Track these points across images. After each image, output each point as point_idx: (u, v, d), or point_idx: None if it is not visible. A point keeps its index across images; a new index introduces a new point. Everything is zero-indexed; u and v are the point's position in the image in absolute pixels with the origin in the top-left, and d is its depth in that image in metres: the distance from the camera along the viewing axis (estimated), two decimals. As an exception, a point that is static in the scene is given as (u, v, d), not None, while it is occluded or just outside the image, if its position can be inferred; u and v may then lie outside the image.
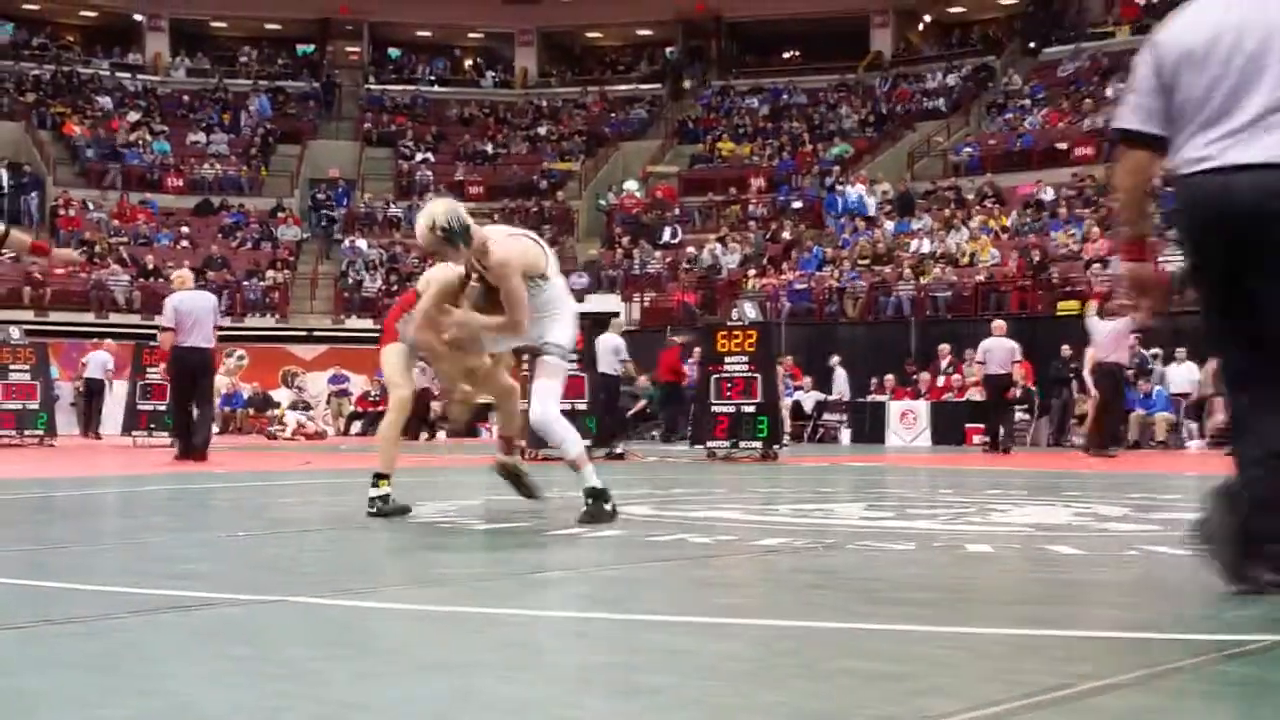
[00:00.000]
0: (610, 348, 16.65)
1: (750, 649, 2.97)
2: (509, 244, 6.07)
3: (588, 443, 14.38)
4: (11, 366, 18.92)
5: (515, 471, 6.92)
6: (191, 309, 13.68)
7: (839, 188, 32.07)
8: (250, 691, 2.44)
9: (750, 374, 14.84)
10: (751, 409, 14.74)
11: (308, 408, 26.88)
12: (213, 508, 7.87)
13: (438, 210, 5.94)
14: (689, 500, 8.20)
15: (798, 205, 33.07)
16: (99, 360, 23.39)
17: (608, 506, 6.15)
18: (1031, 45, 37.49)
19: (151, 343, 20.38)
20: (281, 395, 28.11)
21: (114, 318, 29.90)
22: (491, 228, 6.36)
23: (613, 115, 40.65)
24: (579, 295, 30.10)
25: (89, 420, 23.42)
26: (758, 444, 14.69)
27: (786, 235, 31.37)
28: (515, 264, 5.99)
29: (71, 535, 5.77)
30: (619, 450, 15.27)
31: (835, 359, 23.52)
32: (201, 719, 2.23)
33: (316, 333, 31.87)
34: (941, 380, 22.31)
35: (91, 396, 23.39)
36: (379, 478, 6.48)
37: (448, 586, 4.14)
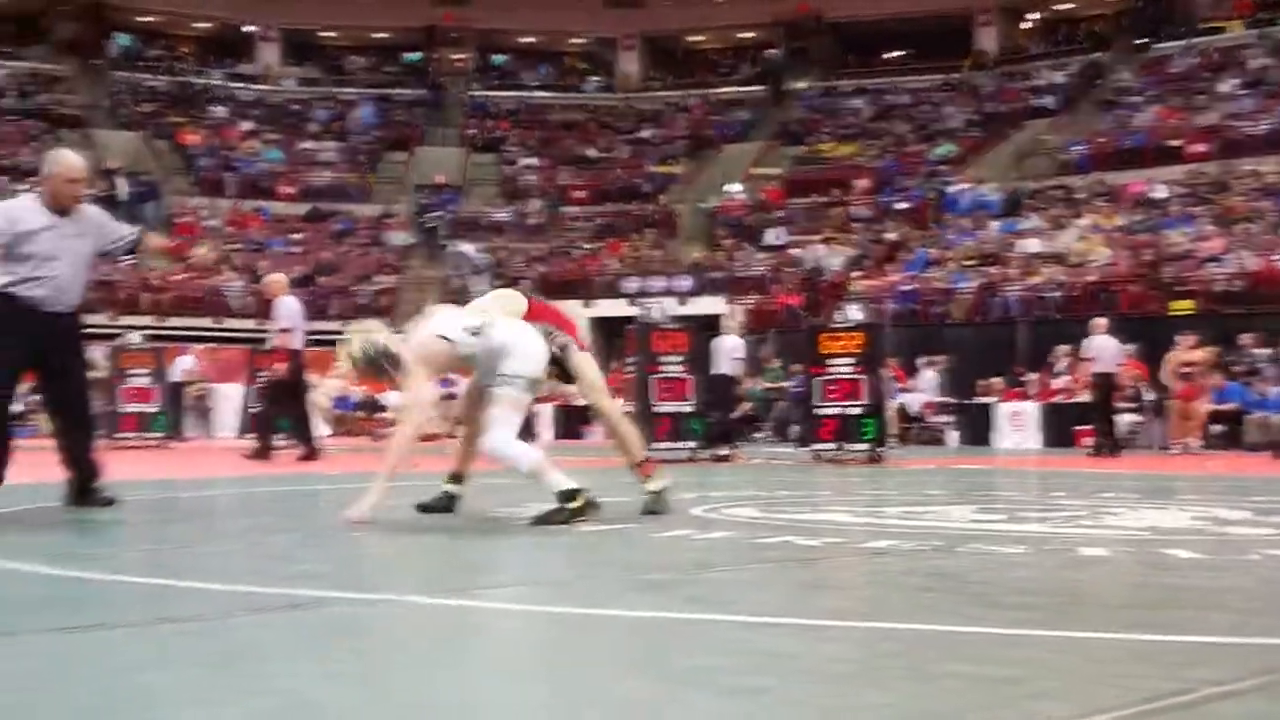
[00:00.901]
0: (727, 348, 16.65)
1: (857, 651, 2.96)
2: (415, 350, 6.34)
3: (691, 445, 14.55)
4: (131, 371, 19.39)
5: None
6: (298, 312, 13.99)
7: (961, 187, 31.58)
8: (362, 691, 2.48)
9: (856, 376, 14.74)
10: (857, 411, 14.63)
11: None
12: (324, 508, 8.00)
13: (354, 347, 6.40)
14: (795, 502, 8.17)
15: (903, 206, 32.79)
16: (182, 365, 23.88)
17: (571, 505, 6.22)
18: (1141, 41, 36.78)
19: (264, 346, 20.80)
20: (390, 399, 28.46)
21: (229, 323, 30.56)
22: (438, 313, 6.60)
23: (715, 118, 40.63)
24: (682, 298, 30.19)
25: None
26: (864, 446, 14.58)
27: (892, 236, 31.11)
28: (417, 369, 6.31)
29: (189, 535, 5.91)
30: (724, 452, 15.25)
31: (922, 359, 23.20)
32: (314, 718, 2.27)
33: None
34: (1061, 381, 21.94)
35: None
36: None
37: (555, 587, 4.17)
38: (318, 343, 27.51)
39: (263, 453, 13.93)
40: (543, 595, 3.84)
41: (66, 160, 7.04)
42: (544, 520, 6.18)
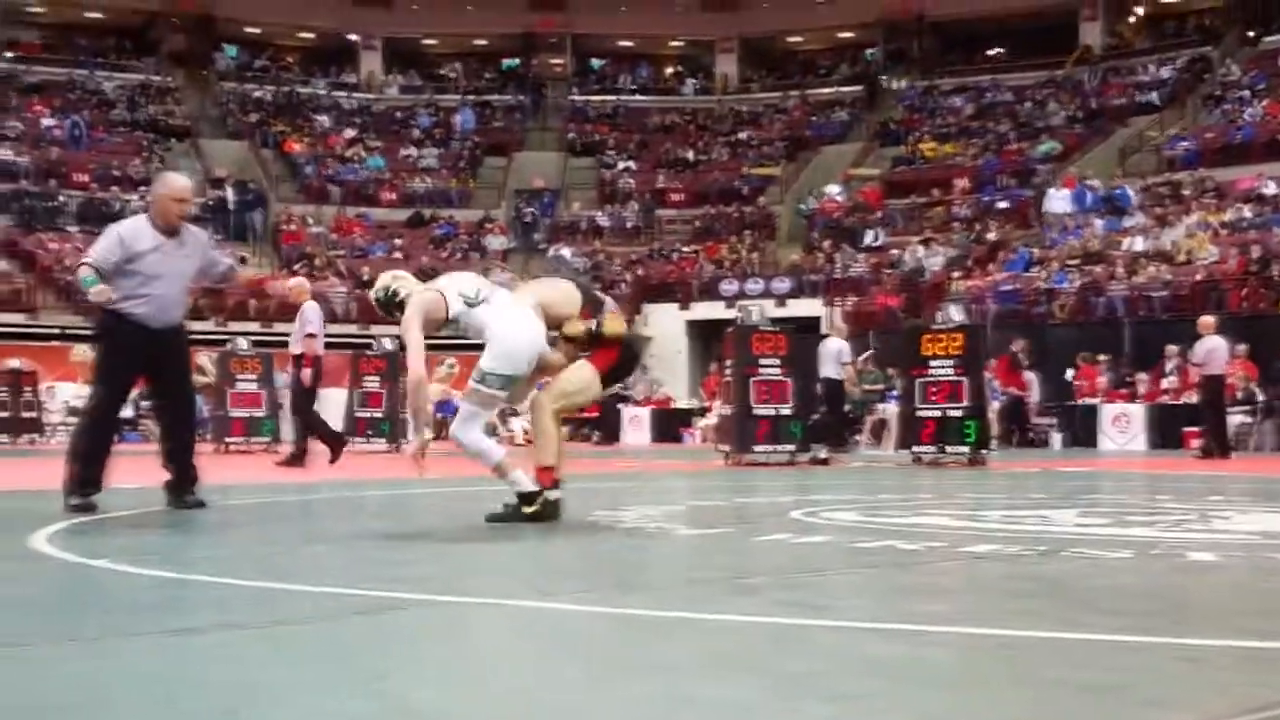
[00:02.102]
0: (833, 352, 16.58)
1: (960, 657, 2.94)
2: (415, 301, 6.37)
3: (790, 447, 14.52)
4: (239, 376, 19.78)
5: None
6: (321, 317, 14.15)
7: (1087, 183, 31.01)
8: (468, 692, 2.52)
9: (957, 377, 14.59)
10: (958, 413, 14.49)
11: (515, 414, 27.38)
12: (426, 511, 8.10)
13: (377, 287, 6.63)
14: (895, 506, 8.11)
15: (1004, 205, 32.38)
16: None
17: (528, 509, 6.29)
18: (1250, 34, 35.96)
19: (369, 352, 21.12)
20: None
21: (332, 328, 30.98)
22: (443, 277, 6.72)
23: (813, 119, 40.45)
24: (780, 299, 30.10)
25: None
26: (965, 448, 14.44)
27: (992, 236, 30.74)
28: (412, 318, 6.30)
29: (297, 538, 6.02)
30: (823, 455, 15.19)
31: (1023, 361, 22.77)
32: (418, 718, 2.31)
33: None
34: (1173, 381, 21.52)
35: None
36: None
37: (655, 591, 4.19)
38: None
39: (299, 459, 14.04)
40: (644, 599, 3.87)
41: (173, 181, 7.38)
42: (499, 518, 6.27)
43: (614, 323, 6.59)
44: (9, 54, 39.58)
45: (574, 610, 3.60)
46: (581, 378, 6.59)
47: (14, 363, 24.64)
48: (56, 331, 29.14)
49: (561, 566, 5.02)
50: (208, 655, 3.04)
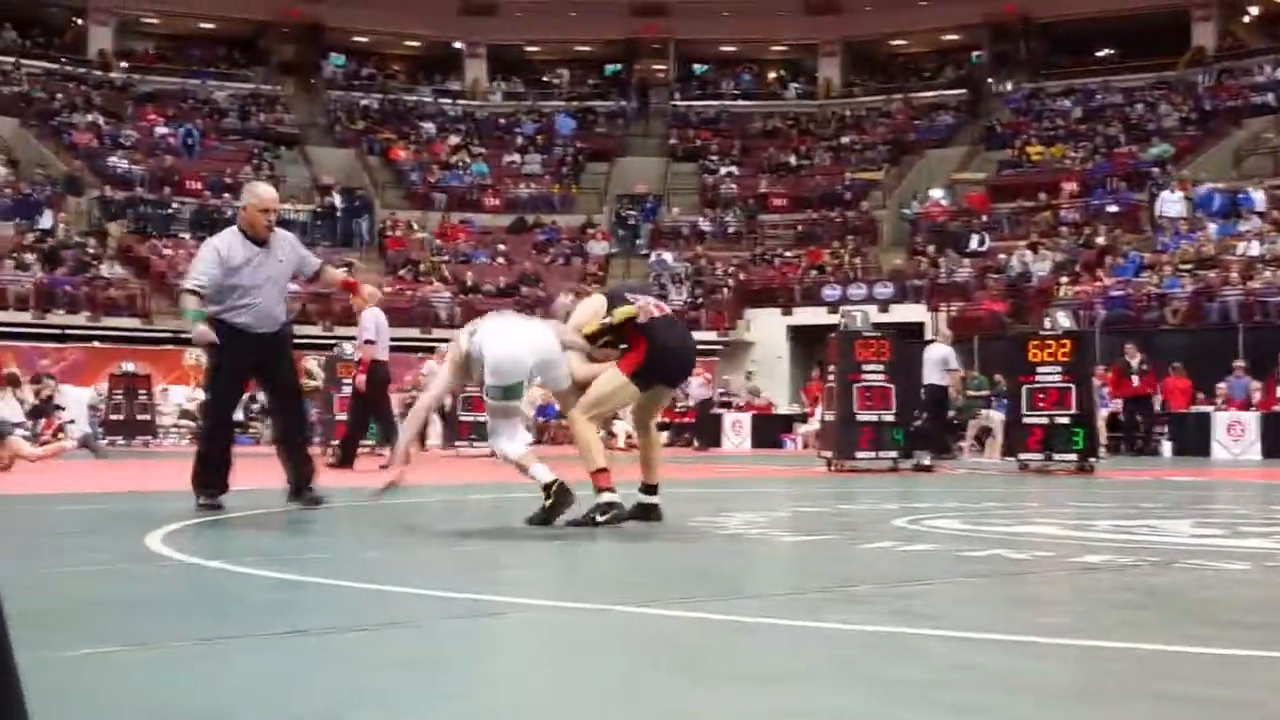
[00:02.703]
0: (938, 358, 16.42)
1: (1072, 670, 2.89)
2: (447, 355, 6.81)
3: (893, 454, 14.39)
4: (345, 380, 20.05)
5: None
6: (383, 323, 14.28)
7: (1210, 186, 30.33)
8: (577, 700, 2.53)
9: (1064, 384, 14.37)
10: (1066, 420, 14.26)
11: (616, 418, 27.46)
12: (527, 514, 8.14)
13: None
14: (1002, 514, 8.00)
15: (1113, 209, 31.80)
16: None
17: (546, 502, 6.38)
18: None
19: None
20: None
21: (436, 333, 31.37)
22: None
23: (917, 122, 40.08)
24: (883, 305, 29.84)
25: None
26: (1073, 456, 14.21)
27: (1101, 240, 30.20)
28: (447, 361, 6.85)
29: (404, 541, 6.09)
30: (926, 462, 15.03)
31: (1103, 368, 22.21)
32: None
33: (624, 345, 32.53)
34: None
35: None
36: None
37: (759, 598, 4.17)
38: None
39: (349, 462, 14.18)
40: (748, 607, 3.85)
41: (259, 191, 7.68)
42: (536, 520, 6.38)
43: (624, 310, 6.61)
44: (125, 64, 40.58)
45: (678, 616, 3.59)
46: (607, 381, 6.68)
47: (129, 366, 25.24)
48: (169, 336, 29.82)
49: (664, 572, 5.02)
50: (317, 657, 3.08)
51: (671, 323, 6.91)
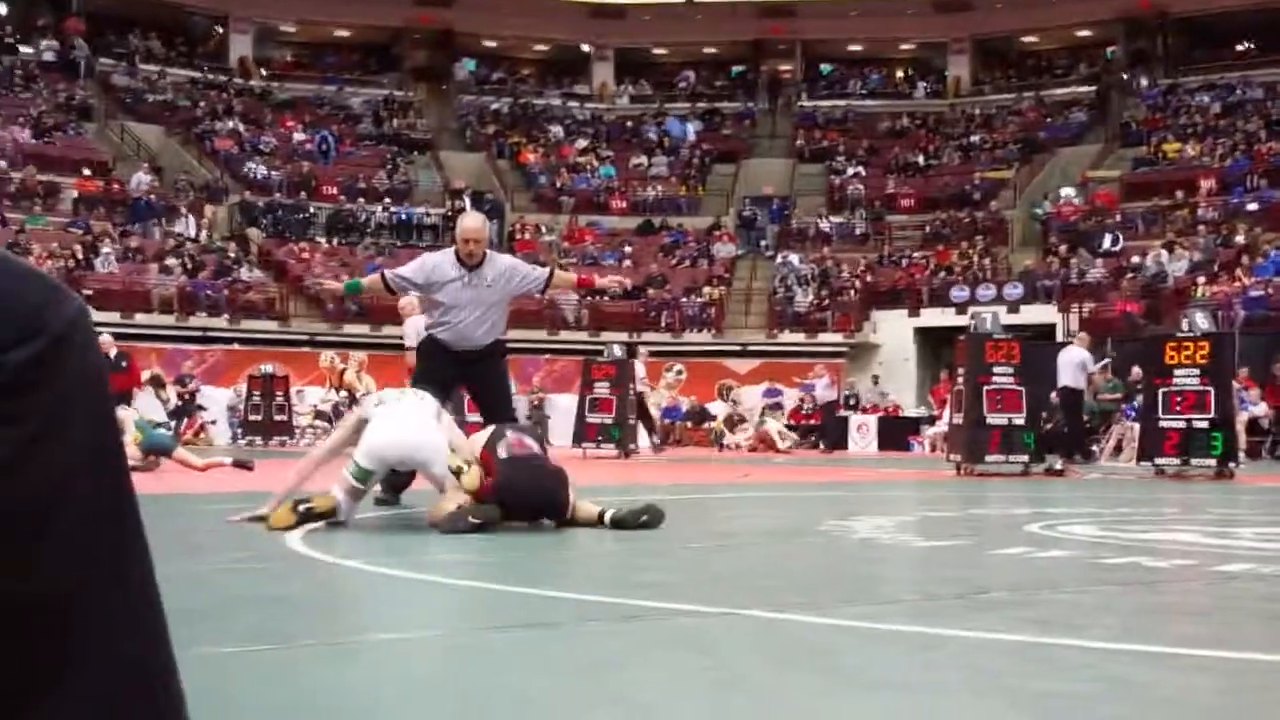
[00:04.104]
0: (1075, 361, 16.15)
1: (1217, 682, 2.85)
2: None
3: (1023, 458, 14.19)
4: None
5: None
6: (421, 328, 14.40)
7: None
8: (710, 704, 2.56)
9: (1202, 387, 14.05)
10: (1204, 424, 13.94)
11: (742, 421, 27.47)
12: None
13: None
14: (1138, 520, 7.86)
15: (1253, 207, 30.93)
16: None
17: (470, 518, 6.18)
18: None
19: (599, 359, 21.47)
20: (717, 409, 28.87)
21: (563, 334, 31.68)
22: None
23: (1049, 120, 39.38)
24: (1012, 306, 29.40)
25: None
26: (1211, 461, 13.88)
27: (1240, 239, 29.40)
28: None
29: (541, 543, 6.18)
30: (1058, 466, 14.80)
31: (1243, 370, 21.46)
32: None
33: (750, 347, 32.55)
34: None
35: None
36: None
37: (894, 604, 4.17)
38: (650, 354, 28.12)
39: None
40: (880, 613, 3.85)
41: (463, 223, 7.98)
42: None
43: (470, 479, 6.40)
44: (264, 72, 41.62)
45: (811, 623, 3.61)
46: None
47: (266, 368, 25.88)
48: (305, 338, 30.55)
49: (796, 577, 5.03)
50: (457, 658, 3.17)
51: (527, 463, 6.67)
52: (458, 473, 6.32)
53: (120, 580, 1.27)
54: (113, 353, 19.13)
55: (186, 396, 26.71)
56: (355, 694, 2.65)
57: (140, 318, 29.48)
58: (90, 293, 29.51)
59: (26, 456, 1.22)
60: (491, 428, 6.90)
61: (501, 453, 6.53)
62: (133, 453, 12.97)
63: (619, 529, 6.51)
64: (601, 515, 6.58)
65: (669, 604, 3.89)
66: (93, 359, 1.32)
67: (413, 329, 14.45)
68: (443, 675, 2.91)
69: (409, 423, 6.61)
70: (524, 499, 6.50)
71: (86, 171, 33.74)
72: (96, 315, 28.28)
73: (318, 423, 25.69)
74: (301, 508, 6.28)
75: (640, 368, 23.21)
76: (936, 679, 2.84)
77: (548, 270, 8.27)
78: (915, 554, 5.88)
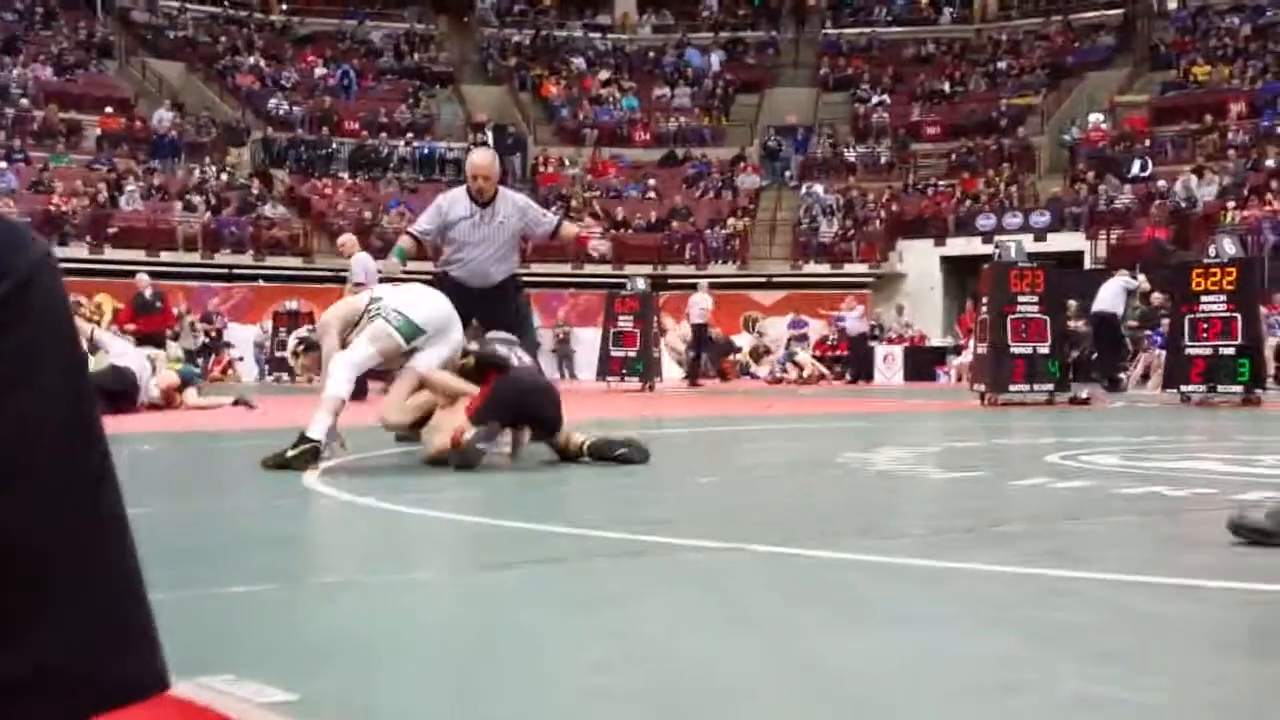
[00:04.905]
0: (1118, 288, 16.00)
1: (1233, 615, 2.81)
2: None
3: (1048, 387, 14.11)
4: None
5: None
6: (371, 268, 14.48)
7: None
8: (716, 639, 2.54)
9: (1229, 314, 13.91)
10: (1231, 351, 13.81)
11: (768, 352, 27.41)
12: (676, 452, 8.19)
13: None
14: (1161, 449, 7.81)
15: (1285, 130, 30.54)
16: (700, 304, 24.51)
17: (293, 452, 6.10)
18: None
19: (622, 292, 21.42)
20: (743, 340, 28.82)
21: (588, 269, 31.60)
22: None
23: (1076, 45, 38.85)
24: (1039, 234, 29.17)
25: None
26: (1238, 388, 13.78)
27: (1270, 163, 29.03)
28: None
29: (550, 479, 6.18)
30: (1083, 395, 14.72)
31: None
32: (674, 664, 2.35)
33: (775, 279, 32.43)
34: None
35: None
36: None
37: (907, 538, 4.14)
38: (669, 287, 28.10)
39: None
40: (892, 546, 3.83)
41: (472, 159, 8.09)
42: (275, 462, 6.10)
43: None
44: (284, 7, 41.38)
45: (820, 557, 3.59)
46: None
47: (291, 304, 25.94)
48: (330, 275, 30.54)
49: (811, 511, 5.01)
50: (468, 594, 3.16)
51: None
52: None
53: (93, 517, 1.27)
54: (148, 292, 19.23)
55: (213, 334, 26.84)
56: (357, 633, 2.64)
57: (165, 255, 29.57)
58: (116, 231, 29.63)
59: None
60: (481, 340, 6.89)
61: (508, 362, 6.49)
62: (154, 394, 13.02)
63: (596, 458, 6.44)
64: (582, 445, 6.51)
65: (677, 539, 3.88)
66: (60, 303, 1.30)
67: (358, 265, 14.66)
68: (446, 613, 2.91)
69: (438, 294, 6.69)
70: (520, 403, 6.42)
71: (109, 109, 33.71)
72: (122, 254, 28.51)
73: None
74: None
75: (706, 299, 23.18)
76: (942, 612, 2.81)
77: (556, 221, 8.31)
78: (932, 486, 5.85)
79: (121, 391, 12.06)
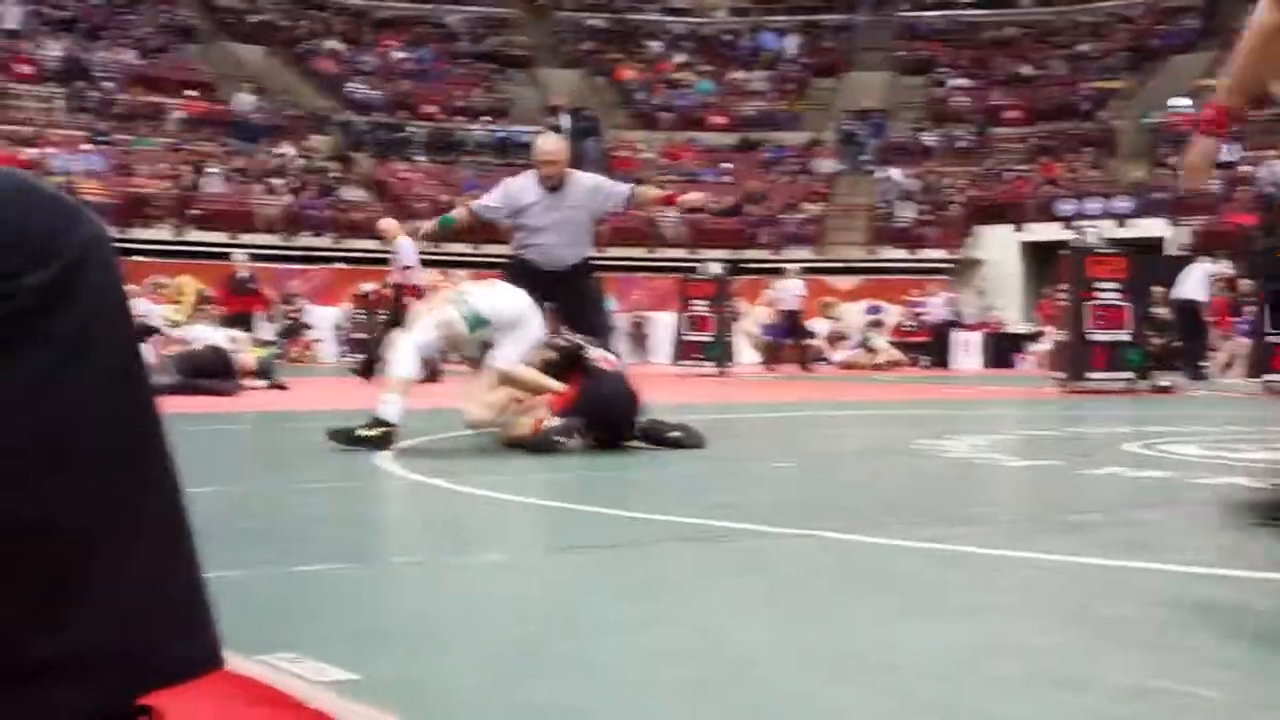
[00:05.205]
0: (1201, 274, 15.75)
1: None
2: None
3: (1127, 375, 13.91)
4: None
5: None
6: (415, 251, 14.77)
7: None
8: (772, 628, 2.54)
9: (1317, 301, 13.64)
10: (1318, 339, 13.56)
11: (844, 338, 27.21)
12: (746, 437, 8.18)
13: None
14: (1242, 439, 7.67)
15: (1378, 114, 29.82)
16: (794, 289, 24.36)
17: (367, 433, 6.16)
18: None
19: (695, 276, 21.40)
20: (819, 326, 28.65)
21: (661, 252, 31.59)
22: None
23: (1160, 27, 38.16)
24: (1120, 220, 28.73)
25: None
26: (1324, 378, 13.50)
27: (1363, 148, 28.37)
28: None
29: (619, 463, 6.19)
30: (1164, 383, 14.49)
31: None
32: (727, 654, 2.35)
33: (852, 264, 32.22)
34: None
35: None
36: None
37: (977, 526, 4.11)
38: (745, 271, 27.98)
39: (366, 371, 14.60)
40: (962, 535, 3.80)
41: (537, 145, 8.01)
42: (342, 436, 6.19)
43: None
44: (362, -10, 41.71)
45: (889, 544, 3.57)
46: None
47: (368, 286, 26.16)
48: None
49: (882, 498, 4.98)
50: (536, 578, 3.18)
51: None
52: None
53: (141, 498, 1.28)
54: (244, 273, 19.50)
55: (294, 315, 27.14)
56: (421, 614, 2.67)
57: (245, 238, 29.92)
58: (198, 213, 30.05)
59: (45, 386, 1.21)
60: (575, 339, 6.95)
61: (590, 361, 6.58)
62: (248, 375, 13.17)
63: (647, 441, 6.52)
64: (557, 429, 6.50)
65: (740, 524, 3.87)
66: (112, 284, 1.30)
67: (406, 247, 15.00)
68: (509, 596, 2.93)
69: (518, 292, 6.76)
70: (607, 411, 6.51)
71: (191, 92, 34.17)
72: (205, 235, 28.92)
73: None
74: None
75: (798, 285, 23.05)
76: (1003, 602, 2.79)
77: (629, 187, 8.17)
78: (1005, 474, 5.80)
79: (224, 370, 12.25)
